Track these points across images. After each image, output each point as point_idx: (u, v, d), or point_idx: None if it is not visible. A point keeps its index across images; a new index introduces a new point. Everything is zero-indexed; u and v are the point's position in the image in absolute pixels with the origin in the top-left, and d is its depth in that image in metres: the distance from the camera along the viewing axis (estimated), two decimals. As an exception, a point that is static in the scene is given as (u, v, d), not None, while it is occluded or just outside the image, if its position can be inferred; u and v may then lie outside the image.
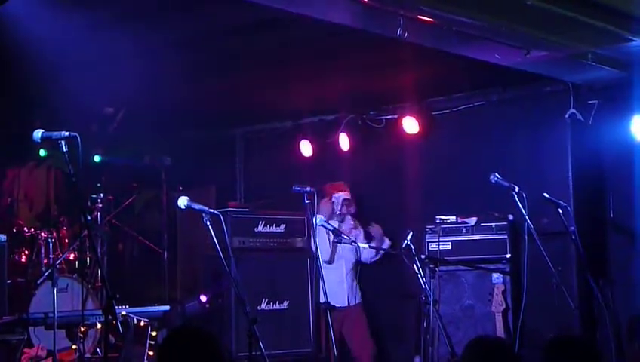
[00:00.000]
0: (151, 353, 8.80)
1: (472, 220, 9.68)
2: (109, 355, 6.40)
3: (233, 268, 6.79)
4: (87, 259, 10.81)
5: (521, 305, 8.04)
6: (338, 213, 9.94)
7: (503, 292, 9.18)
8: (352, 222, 10.05)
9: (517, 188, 7.64)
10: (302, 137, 11.59)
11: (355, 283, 10.02)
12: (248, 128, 12.63)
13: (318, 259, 7.72)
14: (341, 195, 10.03)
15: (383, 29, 7.45)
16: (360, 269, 10.11)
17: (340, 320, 9.34)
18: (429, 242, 9.73)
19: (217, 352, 4.17)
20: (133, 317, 8.48)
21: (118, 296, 8.85)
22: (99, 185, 11.20)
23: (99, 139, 11.67)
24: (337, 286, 9.50)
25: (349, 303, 9.88)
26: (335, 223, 9.48)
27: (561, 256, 8.59)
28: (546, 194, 7.85)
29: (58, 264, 10.04)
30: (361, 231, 10.09)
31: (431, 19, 7.23)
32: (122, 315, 8.30)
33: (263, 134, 12.46)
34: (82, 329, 8.79)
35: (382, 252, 9.86)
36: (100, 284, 10.43)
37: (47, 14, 7.71)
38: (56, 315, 7.38)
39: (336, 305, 8.31)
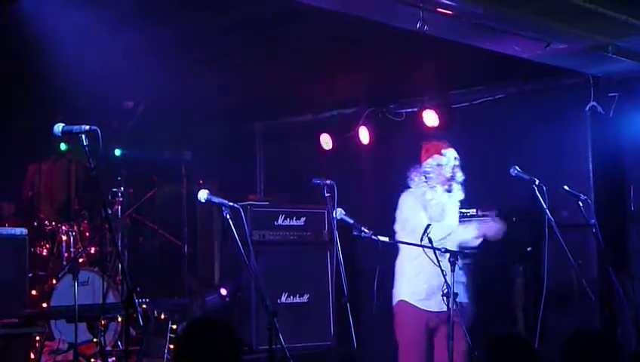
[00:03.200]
0: (171, 346, 8.82)
1: (492, 213, 9.66)
2: (129, 348, 6.40)
3: (253, 261, 6.80)
4: (108, 252, 10.84)
5: (541, 298, 8.00)
6: (448, 176, 7.92)
7: (523, 285, 9.17)
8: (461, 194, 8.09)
9: (537, 181, 7.59)
10: (322, 131, 11.60)
11: (450, 280, 7.27)
12: (268, 122, 12.64)
13: (338, 252, 7.60)
14: (451, 152, 8.04)
15: (402, 22, 7.44)
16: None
17: (431, 324, 7.79)
18: (448, 235, 9.71)
19: (234, 343, 4.20)
20: (153, 311, 8.49)
21: (138, 289, 8.88)
22: (119, 178, 11.22)
23: (119, 133, 11.71)
24: (420, 287, 7.69)
25: (440, 308, 7.53)
26: (442, 192, 7.91)
27: (581, 249, 8.55)
28: (566, 187, 7.81)
29: (79, 257, 10.09)
30: None
31: (450, 12, 7.22)
32: (143, 308, 8.31)
33: (283, 128, 12.47)
34: (103, 322, 8.83)
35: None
36: (120, 278, 10.47)
37: (68, 9, 7.74)
38: (77, 308, 7.40)
39: (423, 308, 7.71)
